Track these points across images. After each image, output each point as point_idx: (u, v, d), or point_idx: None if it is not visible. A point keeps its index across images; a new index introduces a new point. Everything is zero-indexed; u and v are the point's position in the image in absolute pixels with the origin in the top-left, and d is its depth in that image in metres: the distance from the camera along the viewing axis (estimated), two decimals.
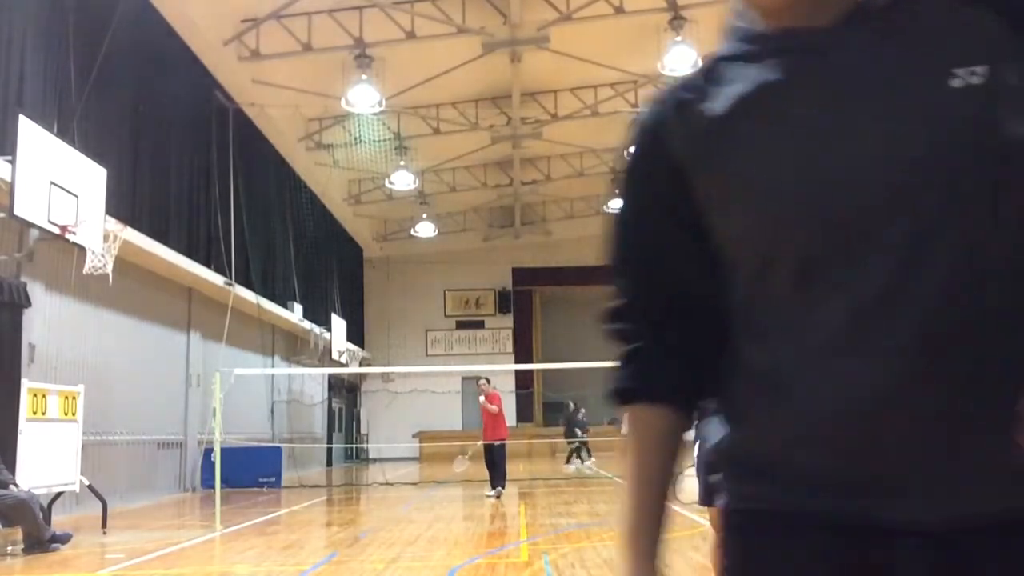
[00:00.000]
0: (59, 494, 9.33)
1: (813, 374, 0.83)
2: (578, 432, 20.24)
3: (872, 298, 0.80)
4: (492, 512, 10.81)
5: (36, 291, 10.50)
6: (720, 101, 0.89)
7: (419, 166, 23.26)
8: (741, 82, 0.88)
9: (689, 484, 4.55)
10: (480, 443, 12.99)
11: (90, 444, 11.08)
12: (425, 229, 28.11)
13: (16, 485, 7.99)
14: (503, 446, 12.89)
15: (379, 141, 21.27)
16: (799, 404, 0.84)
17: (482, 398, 12.86)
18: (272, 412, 20.56)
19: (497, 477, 12.66)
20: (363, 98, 16.83)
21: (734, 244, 0.91)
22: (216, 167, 16.33)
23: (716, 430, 0.99)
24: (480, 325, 32.29)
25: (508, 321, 32.30)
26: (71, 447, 9.20)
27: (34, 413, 8.53)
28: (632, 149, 1.01)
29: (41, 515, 7.98)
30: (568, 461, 20.08)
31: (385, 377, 29.41)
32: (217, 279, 15.88)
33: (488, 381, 13.24)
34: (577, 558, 6.67)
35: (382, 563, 6.75)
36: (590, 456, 20.10)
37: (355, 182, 25.39)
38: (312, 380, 24.23)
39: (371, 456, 29.74)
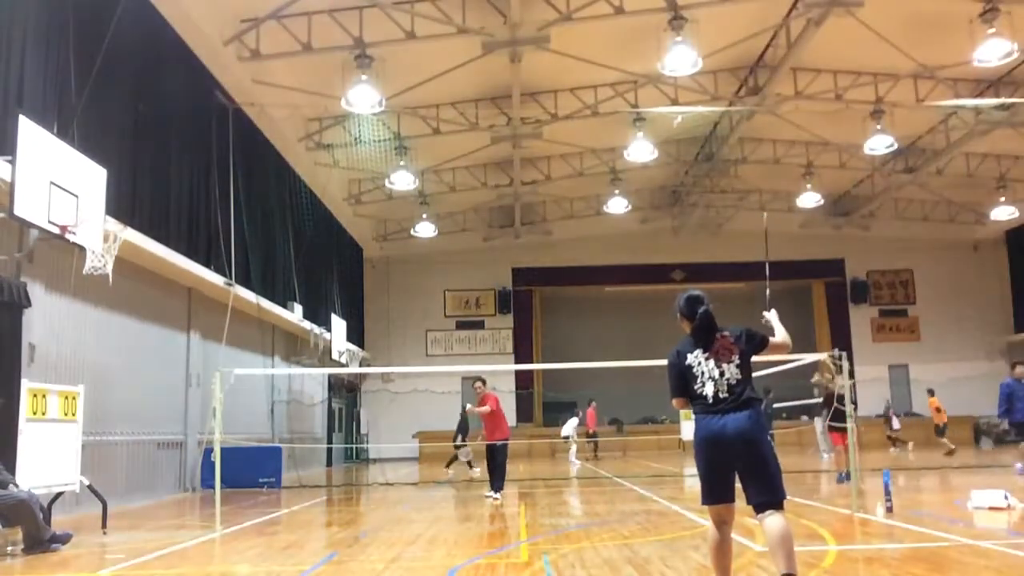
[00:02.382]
0: (59, 494, 9.32)
1: None
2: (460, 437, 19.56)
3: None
4: (492, 512, 10.81)
5: (36, 291, 10.50)
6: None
7: (419, 166, 23.26)
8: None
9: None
10: (483, 443, 12.86)
11: (90, 444, 11.09)
12: (425, 229, 28.11)
13: (16, 485, 7.99)
14: (505, 446, 12.71)
15: (379, 141, 21.27)
16: None
17: (469, 406, 12.68)
18: (272, 412, 20.56)
19: (494, 479, 12.46)
20: (363, 98, 16.81)
21: None
22: (216, 167, 16.33)
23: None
24: (480, 325, 32.30)
25: (508, 321, 32.31)
26: (71, 447, 9.19)
27: (34, 413, 8.53)
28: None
29: (41, 515, 7.97)
30: (448, 465, 19.02)
31: (385, 377, 29.41)
32: (217, 279, 15.87)
33: (484, 382, 13.03)
34: (577, 558, 6.67)
35: (382, 563, 6.75)
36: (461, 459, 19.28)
37: (355, 182, 25.39)
38: (312, 380, 24.23)
39: (371, 456, 29.76)
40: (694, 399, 4.75)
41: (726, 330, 4.82)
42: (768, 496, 4.51)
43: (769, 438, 4.66)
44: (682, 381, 4.80)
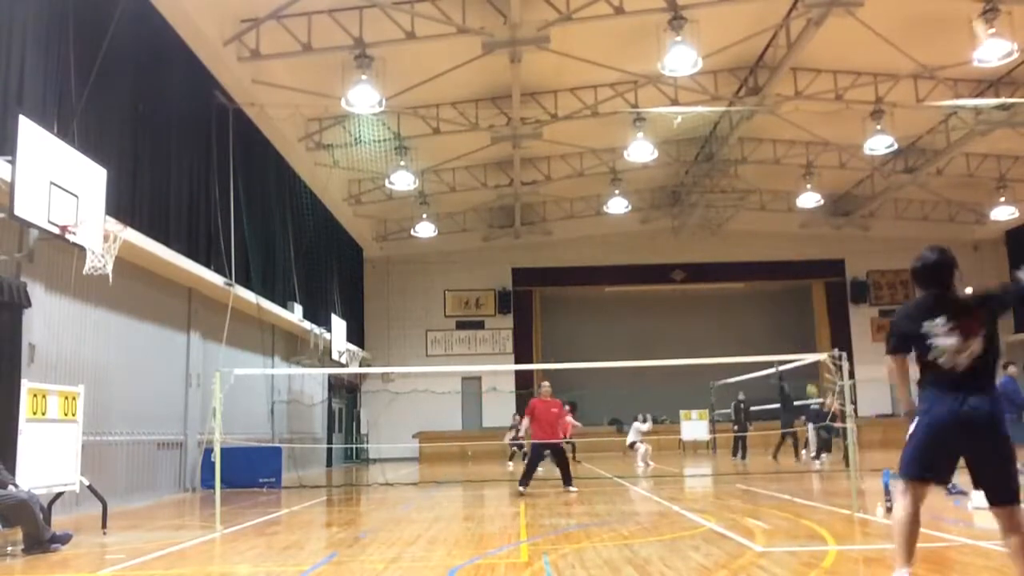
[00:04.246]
0: (59, 494, 9.32)
1: None
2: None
3: None
4: (492, 512, 10.81)
5: (36, 291, 10.50)
6: None
7: (419, 166, 23.26)
8: None
9: None
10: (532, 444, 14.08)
11: (90, 444, 11.08)
12: (425, 229, 28.11)
13: (16, 485, 7.99)
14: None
15: (379, 141, 21.26)
16: None
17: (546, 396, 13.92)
18: (272, 412, 20.56)
19: (565, 475, 13.70)
20: (363, 98, 16.81)
21: None
22: (216, 167, 16.32)
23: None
24: (480, 325, 32.29)
25: (508, 321, 32.30)
26: (71, 447, 9.19)
27: (34, 413, 8.53)
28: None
29: (41, 515, 7.97)
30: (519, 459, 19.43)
31: (385, 377, 29.39)
32: (217, 279, 15.88)
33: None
34: (577, 558, 6.66)
35: (382, 563, 6.75)
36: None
37: (355, 182, 25.39)
38: (312, 380, 24.23)
39: (371, 456, 29.75)
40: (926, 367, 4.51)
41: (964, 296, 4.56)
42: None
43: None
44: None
